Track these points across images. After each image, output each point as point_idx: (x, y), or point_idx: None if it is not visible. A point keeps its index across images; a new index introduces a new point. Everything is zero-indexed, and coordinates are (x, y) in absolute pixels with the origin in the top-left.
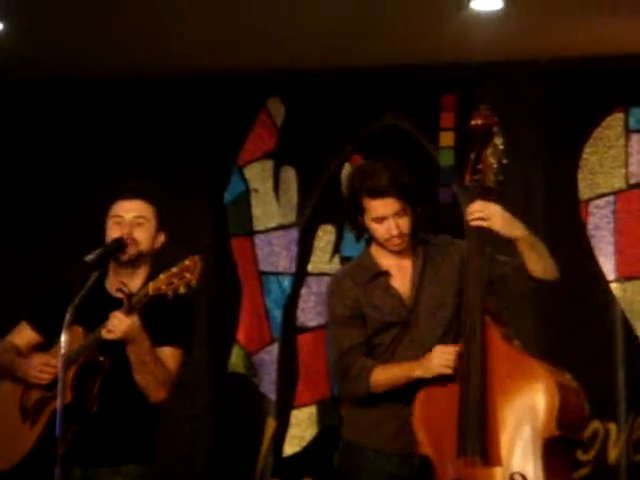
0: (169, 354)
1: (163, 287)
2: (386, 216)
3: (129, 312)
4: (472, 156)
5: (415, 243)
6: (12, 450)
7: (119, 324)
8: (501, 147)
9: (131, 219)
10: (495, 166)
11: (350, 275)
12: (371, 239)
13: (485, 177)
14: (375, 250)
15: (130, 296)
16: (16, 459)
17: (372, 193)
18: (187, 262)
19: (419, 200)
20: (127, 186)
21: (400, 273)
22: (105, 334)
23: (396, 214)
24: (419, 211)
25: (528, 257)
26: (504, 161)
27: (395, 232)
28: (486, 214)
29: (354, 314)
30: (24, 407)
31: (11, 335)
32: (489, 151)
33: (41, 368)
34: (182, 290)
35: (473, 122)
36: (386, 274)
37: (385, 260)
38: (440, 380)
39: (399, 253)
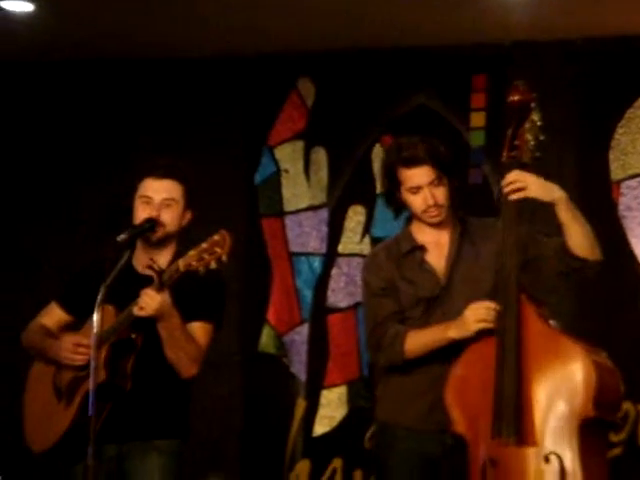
0: (199, 329)
1: (194, 263)
2: (421, 185)
3: (160, 289)
4: (509, 132)
5: (454, 220)
6: (49, 431)
7: (151, 301)
8: (539, 123)
9: (160, 201)
10: (532, 142)
11: (386, 249)
12: (410, 218)
13: (522, 153)
14: (414, 226)
15: (161, 273)
16: (53, 440)
17: (407, 162)
18: (216, 237)
19: (456, 173)
20: (157, 164)
21: (437, 249)
22: (137, 311)
23: (431, 183)
24: (456, 184)
25: (570, 228)
26: (541, 137)
27: (431, 202)
28: (522, 184)
29: (388, 286)
30: (57, 387)
31: (40, 316)
32: (526, 127)
33: (74, 349)
34: (213, 265)
35: (511, 98)
36: (421, 249)
37: (422, 236)
38: (477, 341)
39: (438, 228)
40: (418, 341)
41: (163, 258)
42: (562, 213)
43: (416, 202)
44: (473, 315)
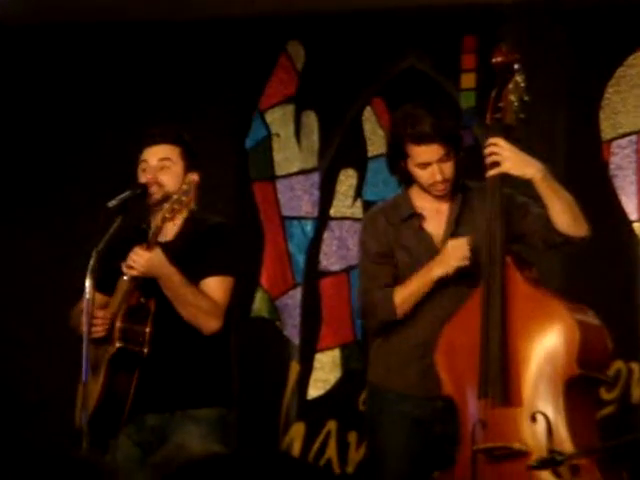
0: (214, 284)
1: (167, 215)
2: (430, 162)
3: (148, 246)
4: (493, 94)
5: (455, 188)
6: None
7: (139, 258)
8: (522, 84)
9: (155, 163)
10: (516, 104)
11: (384, 213)
12: (409, 182)
13: (506, 115)
14: (414, 192)
15: (147, 231)
16: (90, 412)
17: (417, 139)
18: (184, 186)
19: (462, 143)
20: (151, 133)
21: (436, 217)
22: (127, 270)
23: (440, 160)
24: (462, 155)
25: (550, 204)
26: (525, 98)
27: (439, 178)
28: (498, 157)
29: (385, 251)
30: (93, 364)
31: (80, 302)
32: (510, 88)
33: (93, 322)
34: (185, 213)
35: (494, 59)
36: (420, 216)
37: (422, 203)
38: (466, 305)
39: (438, 197)
40: (406, 291)
41: (172, 225)
42: (540, 190)
43: (424, 176)
44: (455, 252)
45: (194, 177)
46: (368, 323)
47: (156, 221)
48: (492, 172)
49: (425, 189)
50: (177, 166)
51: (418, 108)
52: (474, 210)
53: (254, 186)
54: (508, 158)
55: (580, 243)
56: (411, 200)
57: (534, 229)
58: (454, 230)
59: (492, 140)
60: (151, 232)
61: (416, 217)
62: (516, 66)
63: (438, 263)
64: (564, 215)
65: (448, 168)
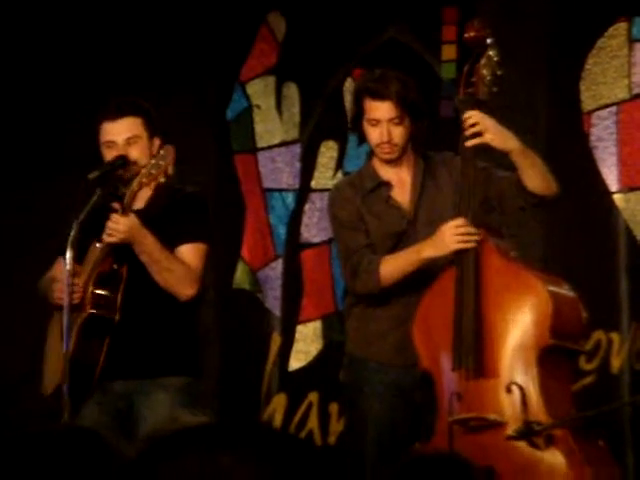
0: (188, 251)
1: (144, 180)
2: (380, 120)
3: (124, 213)
4: (465, 69)
5: (416, 157)
6: (55, 373)
7: (117, 226)
8: (495, 59)
9: (123, 142)
10: (489, 78)
11: (351, 185)
12: (372, 152)
13: (478, 90)
14: (376, 162)
15: (121, 197)
16: (57, 381)
17: (372, 93)
18: (162, 152)
19: (423, 115)
20: (109, 105)
21: (400, 185)
22: (107, 238)
23: (391, 120)
24: (420, 126)
25: (524, 171)
26: (499, 73)
27: (385, 138)
28: (481, 127)
29: (356, 220)
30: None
31: (51, 270)
32: (482, 63)
33: (62, 288)
34: (162, 179)
35: (466, 35)
36: (387, 185)
37: (385, 172)
38: (441, 278)
39: (398, 165)
40: (393, 265)
41: (144, 193)
42: (518, 161)
43: (372, 135)
44: (452, 234)
45: (158, 142)
46: (352, 286)
47: (132, 186)
48: (474, 141)
49: (373, 150)
50: (143, 139)
51: (387, 70)
52: (437, 179)
53: (235, 158)
54: (489, 128)
55: (552, 201)
56: (375, 170)
57: (499, 192)
58: (419, 198)
59: (470, 113)
60: (126, 198)
61: (384, 186)
62: (489, 40)
63: (431, 244)
64: (537, 179)
65: (398, 132)
